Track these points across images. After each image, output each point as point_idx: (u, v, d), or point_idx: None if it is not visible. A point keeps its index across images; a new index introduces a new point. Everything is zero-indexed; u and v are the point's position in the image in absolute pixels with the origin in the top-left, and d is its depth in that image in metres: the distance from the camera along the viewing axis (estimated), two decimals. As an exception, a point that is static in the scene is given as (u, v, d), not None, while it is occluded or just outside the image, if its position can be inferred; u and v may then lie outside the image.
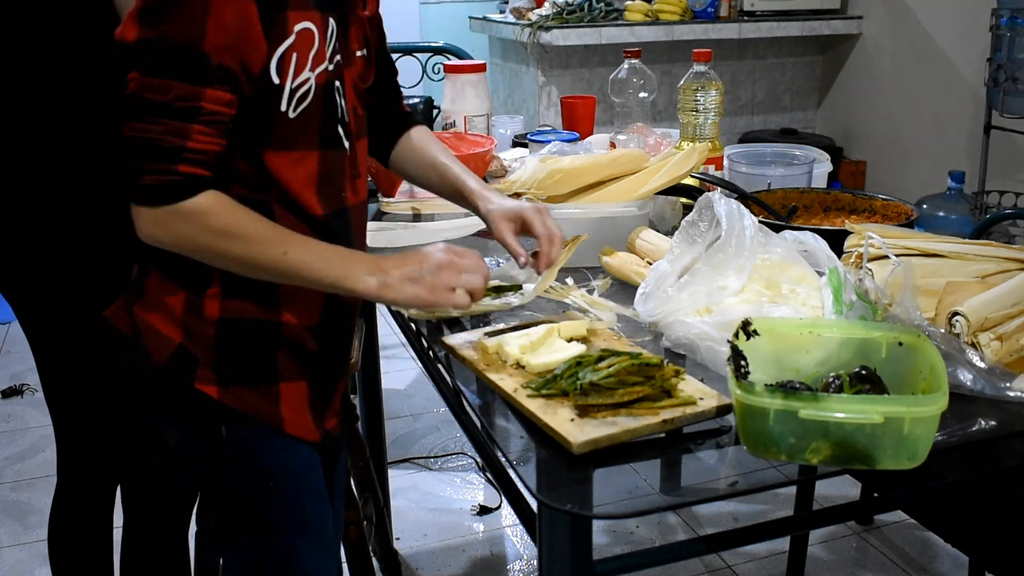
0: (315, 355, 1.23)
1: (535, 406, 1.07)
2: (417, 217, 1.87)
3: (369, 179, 1.48)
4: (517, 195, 1.64)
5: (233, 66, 1.05)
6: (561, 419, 1.04)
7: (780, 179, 1.84)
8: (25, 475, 2.79)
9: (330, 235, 1.16)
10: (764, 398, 0.94)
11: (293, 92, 1.11)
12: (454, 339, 1.27)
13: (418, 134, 1.44)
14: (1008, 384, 1.09)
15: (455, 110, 2.26)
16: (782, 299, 1.23)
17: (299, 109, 1.12)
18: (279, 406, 1.19)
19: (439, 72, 3.23)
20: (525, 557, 2.43)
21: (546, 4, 4.18)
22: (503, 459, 1.05)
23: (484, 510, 2.63)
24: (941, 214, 3.44)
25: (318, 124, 1.15)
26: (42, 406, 3.22)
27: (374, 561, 2.18)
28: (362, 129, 1.27)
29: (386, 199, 1.95)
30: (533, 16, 4.19)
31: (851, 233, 1.39)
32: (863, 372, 1.04)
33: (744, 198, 1.66)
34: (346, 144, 1.20)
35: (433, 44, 3.65)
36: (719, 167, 1.94)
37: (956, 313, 1.16)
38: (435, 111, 2.84)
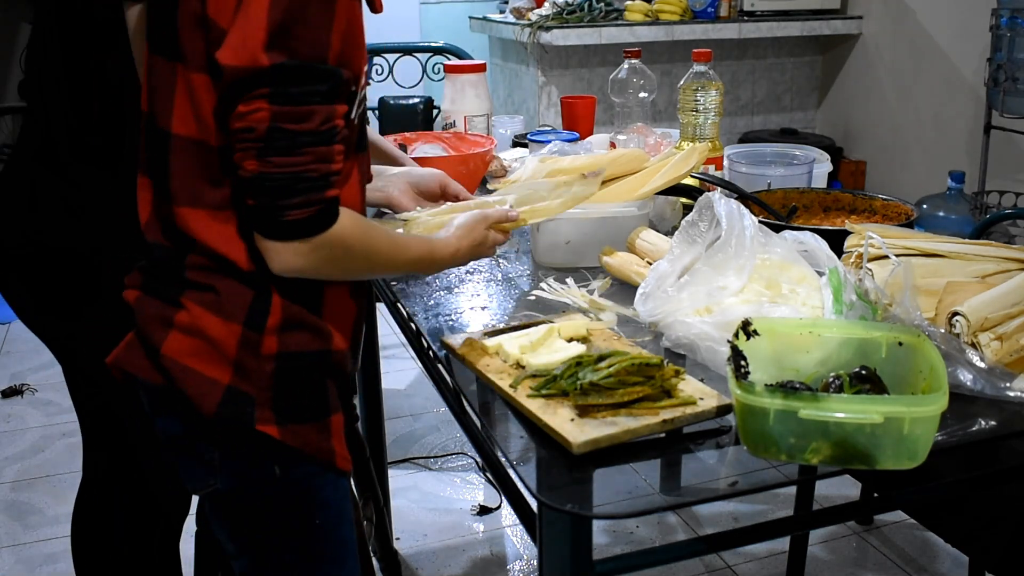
0: (349, 377, 1.19)
1: (535, 406, 1.07)
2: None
3: None
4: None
5: (350, 76, 1.02)
6: (561, 419, 1.04)
7: (780, 179, 1.84)
8: (25, 475, 2.79)
9: None
10: (764, 398, 0.94)
11: (361, 99, 1.10)
12: (454, 339, 1.27)
13: None
14: (1008, 384, 1.09)
15: (455, 110, 2.26)
16: (782, 299, 1.23)
17: (357, 114, 1.10)
18: (331, 440, 1.14)
19: (439, 72, 3.23)
20: (525, 557, 2.43)
21: (546, 4, 4.18)
22: (503, 459, 1.05)
23: (484, 510, 2.63)
24: (941, 214, 3.44)
25: (359, 128, 1.14)
26: (42, 406, 3.24)
27: (374, 561, 2.18)
28: None
29: None
30: (533, 16, 4.19)
31: (851, 233, 1.39)
32: (863, 372, 1.04)
33: (744, 198, 1.66)
34: (367, 146, 1.20)
35: (433, 44, 3.65)
36: (719, 167, 1.94)
37: (956, 313, 1.16)
38: (435, 111, 2.84)
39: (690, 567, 2.29)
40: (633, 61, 2.14)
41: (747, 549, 2.35)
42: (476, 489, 2.75)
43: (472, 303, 1.45)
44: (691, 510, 2.49)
